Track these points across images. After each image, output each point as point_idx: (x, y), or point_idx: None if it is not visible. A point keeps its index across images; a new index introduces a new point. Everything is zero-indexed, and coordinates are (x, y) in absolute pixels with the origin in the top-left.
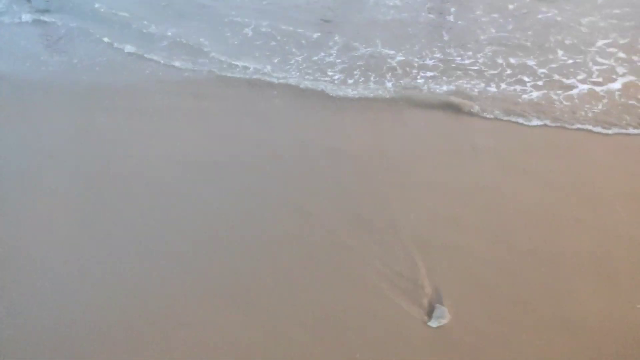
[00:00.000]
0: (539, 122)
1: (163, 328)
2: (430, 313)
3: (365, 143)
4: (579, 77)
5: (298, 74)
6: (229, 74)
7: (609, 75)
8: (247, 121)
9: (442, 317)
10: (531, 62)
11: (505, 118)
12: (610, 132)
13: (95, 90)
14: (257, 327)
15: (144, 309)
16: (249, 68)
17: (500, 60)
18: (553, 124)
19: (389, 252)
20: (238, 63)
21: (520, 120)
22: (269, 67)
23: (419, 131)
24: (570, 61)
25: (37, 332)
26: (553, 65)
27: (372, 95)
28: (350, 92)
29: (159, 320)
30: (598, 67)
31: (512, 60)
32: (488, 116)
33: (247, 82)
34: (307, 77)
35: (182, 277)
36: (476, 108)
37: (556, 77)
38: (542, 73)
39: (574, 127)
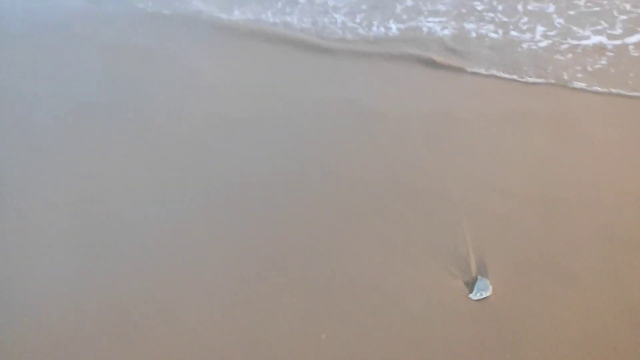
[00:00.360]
0: (536, 79)
1: (193, 290)
2: (472, 285)
3: (396, 103)
4: (597, 28)
5: (299, 18)
6: (226, 20)
7: (632, 26)
8: (264, 75)
9: (484, 290)
10: (550, 9)
11: (496, 72)
12: (607, 91)
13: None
14: (292, 292)
15: (172, 268)
16: (250, 13)
17: (519, 7)
18: (547, 81)
19: (433, 220)
20: (238, 9)
21: (504, 74)
22: (269, 13)
23: (442, 91)
24: (596, 8)
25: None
26: (571, 13)
27: (371, 45)
28: (349, 36)
29: (188, 283)
30: (623, 17)
31: (530, 8)
32: (486, 72)
33: (247, 30)
34: (306, 21)
35: (213, 237)
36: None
37: (573, 28)
38: (558, 23)
39: (572, 85)
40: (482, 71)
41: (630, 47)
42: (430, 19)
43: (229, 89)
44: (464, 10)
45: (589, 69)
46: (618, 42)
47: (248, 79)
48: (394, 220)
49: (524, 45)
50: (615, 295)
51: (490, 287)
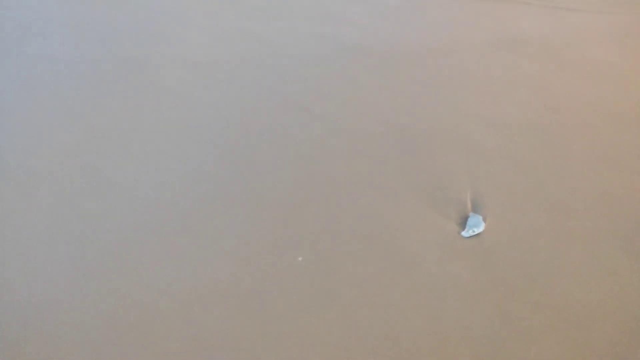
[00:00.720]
0: None
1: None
2: (464, 222)
3: (375, 33)
4: None
5: None
6: None
7: None
8: (239, 13)
9: (477, 226)
10: None
11: None
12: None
13: None
14: (275, 236)
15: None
16: None
17: None
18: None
19: (423, 157)
20: None
21: None
22: None
23: (432, 19)
24: None
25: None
26: None
27: None
28: None
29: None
30: None
31: None
32: None
33: None
34: None
35: (186, 181)
36: None
37: None
38: None
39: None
40: None
41: None
42: None
43: (197, 30)
44: None
45: None
46: None
47: (217, 16)
48: (382, 158)
49: None
50: (613, 222)
51: (483, 223)
